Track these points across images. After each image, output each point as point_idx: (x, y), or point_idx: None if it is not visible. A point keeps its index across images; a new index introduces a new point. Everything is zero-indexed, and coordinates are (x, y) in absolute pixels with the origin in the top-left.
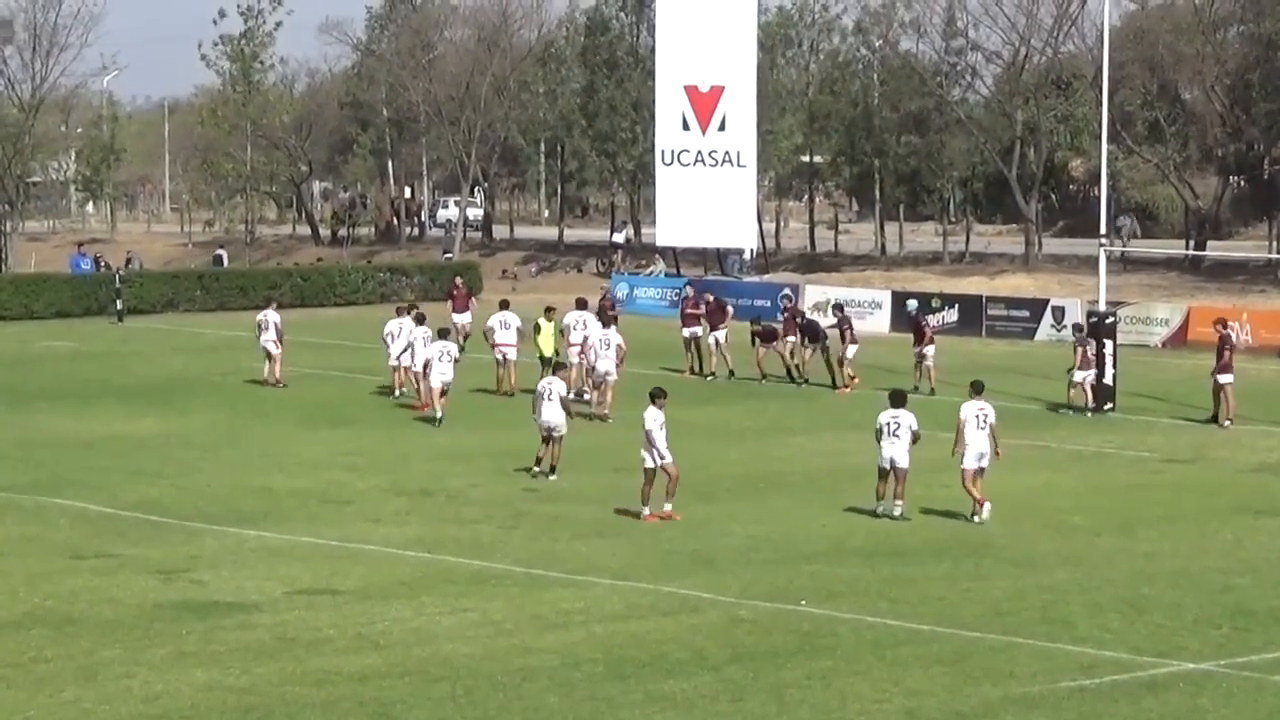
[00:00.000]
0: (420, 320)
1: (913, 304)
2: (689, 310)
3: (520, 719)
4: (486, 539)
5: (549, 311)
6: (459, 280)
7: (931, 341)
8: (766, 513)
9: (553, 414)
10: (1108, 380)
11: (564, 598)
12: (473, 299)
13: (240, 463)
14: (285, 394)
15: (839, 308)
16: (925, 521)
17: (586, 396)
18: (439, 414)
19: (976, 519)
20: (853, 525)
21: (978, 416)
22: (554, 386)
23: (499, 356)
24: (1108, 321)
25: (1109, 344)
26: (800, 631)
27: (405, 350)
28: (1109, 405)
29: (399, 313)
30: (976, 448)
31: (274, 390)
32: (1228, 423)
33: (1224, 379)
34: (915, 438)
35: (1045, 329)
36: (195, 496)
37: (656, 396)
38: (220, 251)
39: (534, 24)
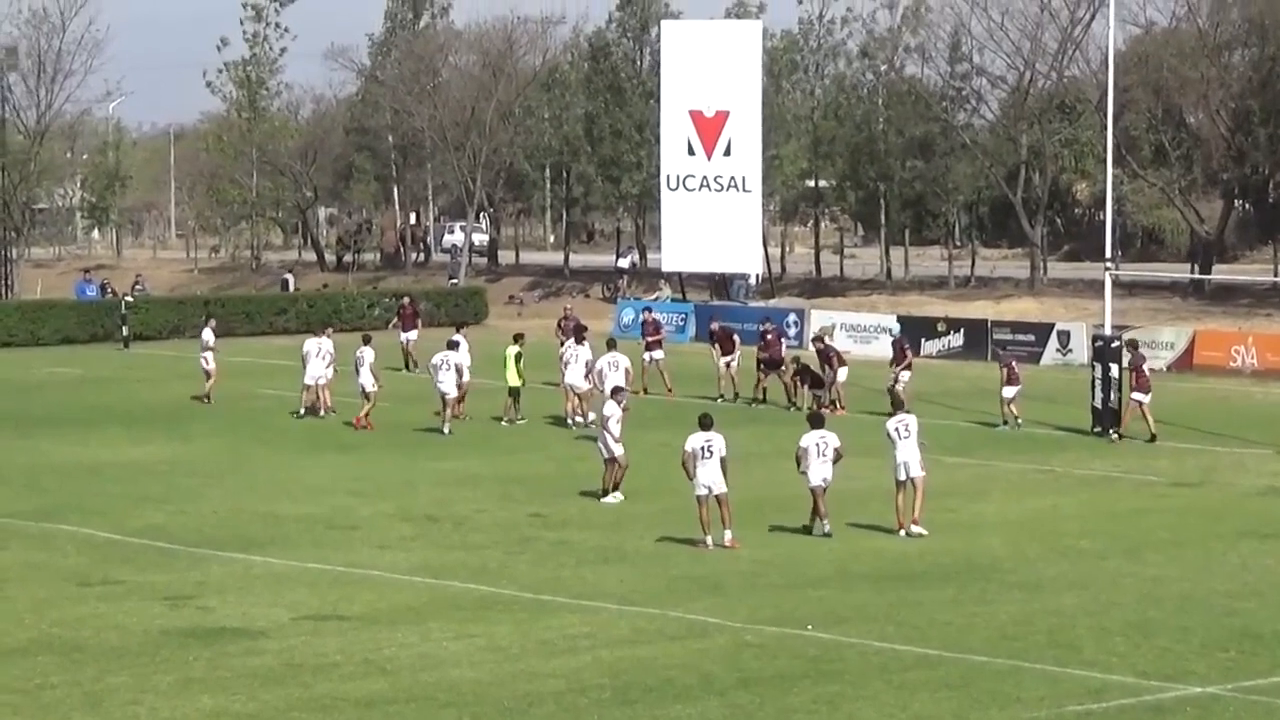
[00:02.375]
0: (366, 340)
1: (895, 327)
2: (649, 337)
3: None
4: (493, 564)
5: (518, 338)
6: (406, 300)
7: (909, 366)
8: (772, 537)
9: (604, 439)
10: (1113, 404)
11: (570, 623)
12: (419, 318)
13: (246, 488)
14: (290, 419)
15: (818, 339)
16: (931, 545)
17: (592, 417)
18: (444, 429)
19: (903, 533)
20: (859, 550)
21: (897, 430)
22: (609, 411)
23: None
24: (1113, 346)
25: (1114, 368)
26: (807, 656)
27: (329, 368)
28: (1114, 429)
29: (323, 333)
30: (903, 457)
31: (279, 416)
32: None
33: (1140, 397)
34: (838, 457)
35: (1051, 353)
36: (201, 522)
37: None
38: (288, 276)
39: (538, 50)
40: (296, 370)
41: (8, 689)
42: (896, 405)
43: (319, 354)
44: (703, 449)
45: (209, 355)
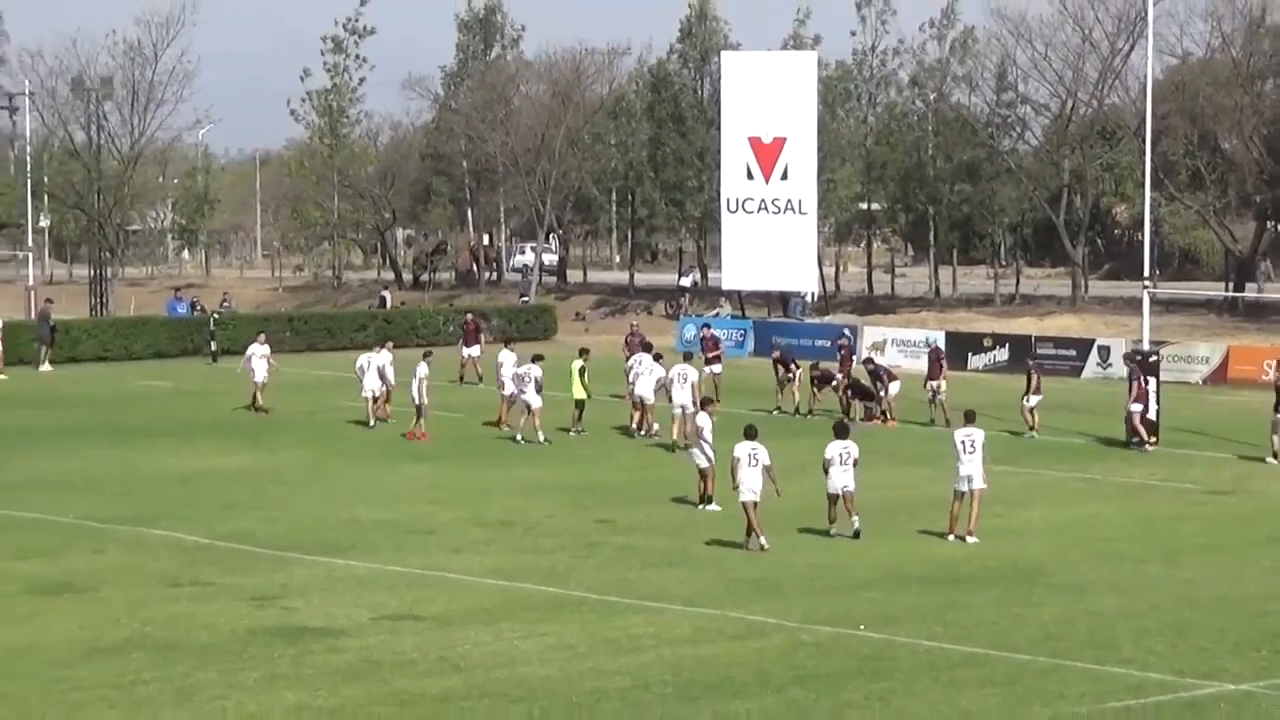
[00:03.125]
0: (425, 356)
1: (933, 339)
2: (709, 352)
3: None
4: (562, 567)
5: (583, 353)
6: (469, 317)
7: (944, 377)
8: (827, 542)
9: (702, 448)
10: (1151, 415)
11: (635, 623)
12: (482, 334)
13: (328, 496)
14: (369, 430)
15: (868, 361)
16: (978, 550)
17: (656, 428)
18: (540, 435)
19: (952, 538)
20: (909, 553)
21: (964, 443)
22: (702, 422)
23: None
24: (1151, 360)
25: (1153, 380)
26: (860, 655)
27: (379, 381)
28: (1153, 439)
29: (379, 348)
30: (966, 470)
31: (358, 427)
32: (1149, 445)
33: (1136, 408)
34: (856, 463)
35: (1091, 367)
36: (285, 528)
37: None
38: (385, 293)
39: (605, 79)
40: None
41: (104, 684)
42: (968, 418)
43: (371, 368)
44: (748, 457)
45: (257, 364)
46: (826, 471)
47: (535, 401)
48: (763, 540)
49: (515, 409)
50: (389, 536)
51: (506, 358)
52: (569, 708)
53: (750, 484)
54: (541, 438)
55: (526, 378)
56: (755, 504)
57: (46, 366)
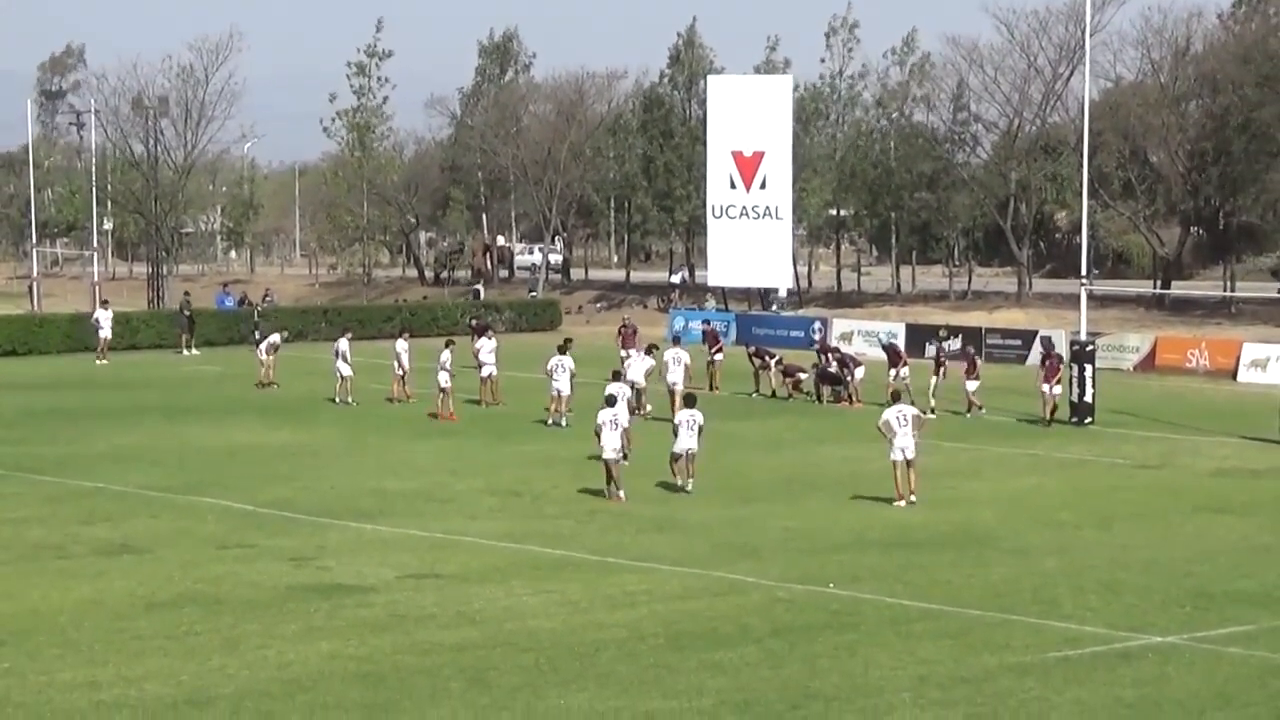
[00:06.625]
0: (448, 345)
1: (886, 335)
2: (712, 345)
3: (594, 683)
4: (566, 532)
5: (567, 343)
6: (475, 322)
7: (905, 364)
8: (800, 510)
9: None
10: (1088, 398)
11: (630, 581)
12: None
13: (359, 468)
14: (395, 410)
15: (835, 350)
16: (933, 517)
17: (649, 408)
18: (563, 421)
19: (902, 503)
20: (872, 520)
21: (897, 419)
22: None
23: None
24: (1088, 349)
25: (1089, 367)
26: (829, 610)
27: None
28: (1089, 419)
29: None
30: (900, 443)
31: (388, 407)
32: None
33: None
34: (700, 429)
35: (1035, 355)
36: (321, 496)
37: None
38: (478, 287)
39: (605, 99)
40: (394, 368)
41: (160, 635)
42: (894, 398)
43: (340, 355)
44: (609, 422)
45: (264, 351)
46: (675, 434)
47: (566, 389)
48: (621, 493)
49: (488, 386)
50: (412, 504)
51: (485, 344)
52: (572, 656)
53: (611, 444)
54: (565, 422)
55: (560, 367)
56: (616, 461)
57: (192, 352)
